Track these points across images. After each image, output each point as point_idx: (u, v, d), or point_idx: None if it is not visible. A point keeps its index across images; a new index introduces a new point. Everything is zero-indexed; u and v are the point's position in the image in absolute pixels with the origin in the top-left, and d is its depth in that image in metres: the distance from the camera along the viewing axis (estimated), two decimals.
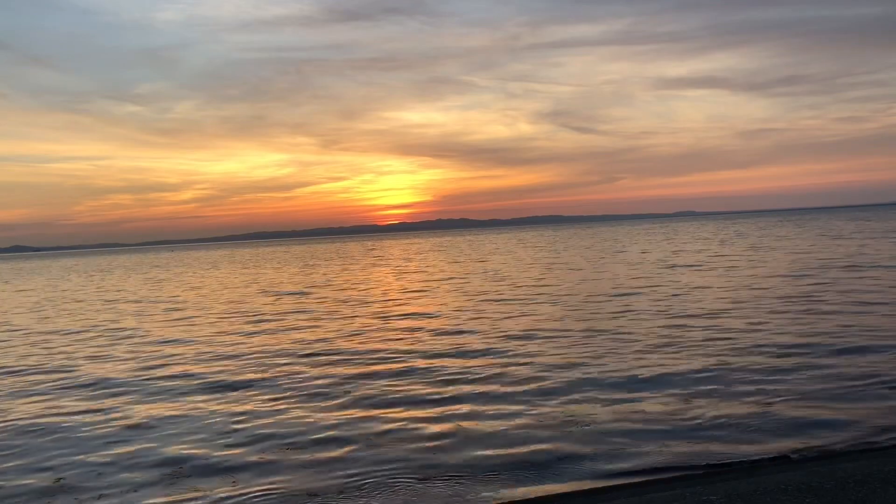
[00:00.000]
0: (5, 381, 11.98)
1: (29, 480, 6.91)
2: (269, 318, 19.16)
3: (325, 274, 39.12)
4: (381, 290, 26.09)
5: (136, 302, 27.07)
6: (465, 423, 7.94)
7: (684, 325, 13.62)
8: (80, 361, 13.62)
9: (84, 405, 9.87)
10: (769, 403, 8.03)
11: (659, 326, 13.71)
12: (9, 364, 13.77)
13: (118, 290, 34.74)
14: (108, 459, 7.38)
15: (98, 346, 15.54)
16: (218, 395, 10.02)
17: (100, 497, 6.39)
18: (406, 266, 42.86)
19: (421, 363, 11.49)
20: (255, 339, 15.23)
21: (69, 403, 10.03)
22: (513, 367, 10.70)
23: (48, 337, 17.77)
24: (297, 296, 25.75)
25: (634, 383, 9.30)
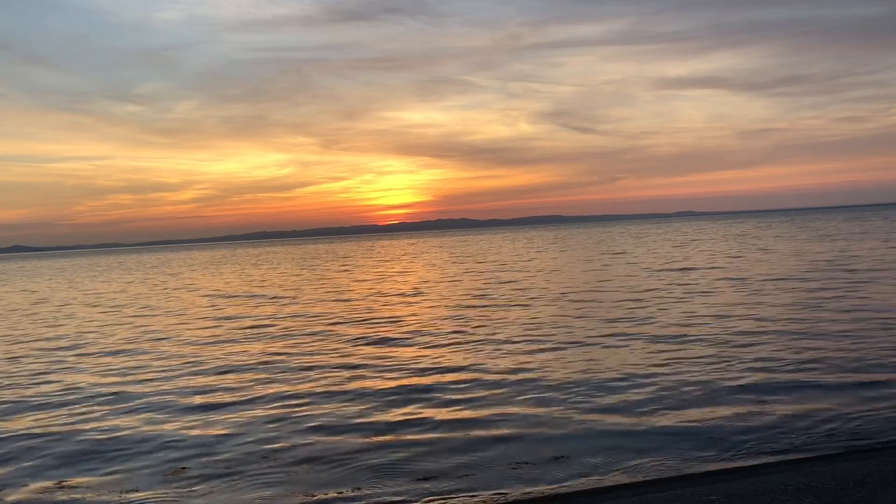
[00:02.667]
0: None
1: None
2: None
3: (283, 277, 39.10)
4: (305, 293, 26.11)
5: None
6: (464, 420, 7.96)
7: (690, 322, 13.65)
8: None
9: None
10: (765, 405, 8.05)
11: (654, 331, 13.72)
12: None
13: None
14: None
15: None
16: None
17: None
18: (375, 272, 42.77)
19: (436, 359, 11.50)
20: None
21: None
22: (509, 367, 10.72)
23: None
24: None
25: (632, 383, 9.32)
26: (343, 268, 44.63)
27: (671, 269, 27.45)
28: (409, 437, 7.63)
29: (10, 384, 11.66)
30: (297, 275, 39.83)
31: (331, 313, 19.42)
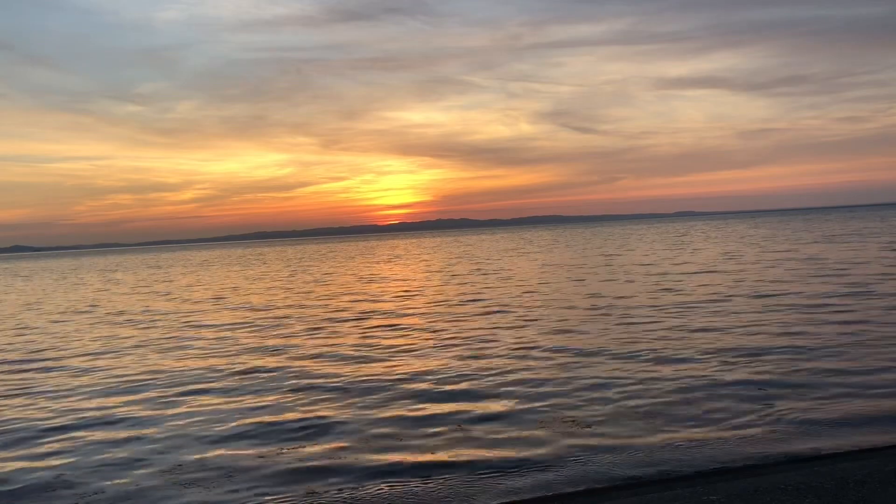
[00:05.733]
0: None
1: None
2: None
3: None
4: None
5: None
6: (465, 424, 7.96)
7: (686, 315, 13.66)
8: None
9: None
10: (769, 405, 8.05)
11: (657, 323, 13.72)
12: None
13: None
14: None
15: None
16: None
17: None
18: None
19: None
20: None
21: None
22: (509, 367, 10.71)
23: None
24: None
25: (631, 382, 9.32)
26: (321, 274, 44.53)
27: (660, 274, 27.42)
28: (408, 437, 7.63)
29: None
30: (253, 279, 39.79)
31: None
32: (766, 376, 9.27)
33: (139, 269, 65.97)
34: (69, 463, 7.36)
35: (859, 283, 18.34)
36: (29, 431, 8.65)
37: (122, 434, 8.29)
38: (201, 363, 12.57)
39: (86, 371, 12.55)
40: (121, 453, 7.56)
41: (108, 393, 10.57)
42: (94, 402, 10.01)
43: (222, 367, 11.98)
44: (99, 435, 8.30)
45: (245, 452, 7.35)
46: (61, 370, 12.81)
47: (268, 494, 6.21)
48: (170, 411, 9.23)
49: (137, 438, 8.05)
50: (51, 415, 9.41)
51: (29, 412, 9.62)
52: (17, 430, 8.74)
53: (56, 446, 7.96)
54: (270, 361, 12.26)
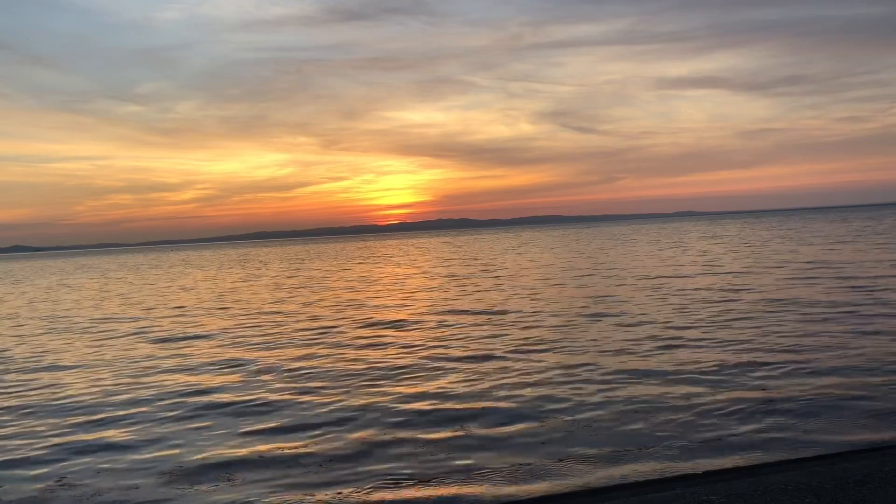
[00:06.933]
0: None
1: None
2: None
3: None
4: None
5: None
6: (467, 424, 7.97)
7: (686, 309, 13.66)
8: None
9: None
10: (768, 405, 8.06)
11: (661, 317, 13.73)
12: None
13: None
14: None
15: None
16: None
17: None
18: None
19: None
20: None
21: None
22: (509, 369, 10.73)
23: None
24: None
25: (632, 384, 9.32)
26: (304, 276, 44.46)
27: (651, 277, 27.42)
28: (408, 439, 7.64)
29: None
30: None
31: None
32: (767, 379, 9.29)
33: (138, 270, 65.94)
34: (50, 486, 7.31)
35: (863, 287, 18.30)
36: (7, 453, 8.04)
37: (108, 458, 7.86)
38: (194, 378, 12.32)
39: (61, 387, 12.54)
40: (103, 483, 7.32)
41: (91, 412, 9.91)
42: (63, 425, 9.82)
43: (217, 383, 11.67)
44: (85, 459, 7.59)
45: (242, 475, 7.14)
46: (34, 385, 12.64)
47: None
48: (161, 431, 8.52)
49: (123, 462, 7.43)
50: (23, 432, 9.12)
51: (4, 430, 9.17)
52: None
53: (36, 472, 7.29)
54: (266, 377, 11.63)
